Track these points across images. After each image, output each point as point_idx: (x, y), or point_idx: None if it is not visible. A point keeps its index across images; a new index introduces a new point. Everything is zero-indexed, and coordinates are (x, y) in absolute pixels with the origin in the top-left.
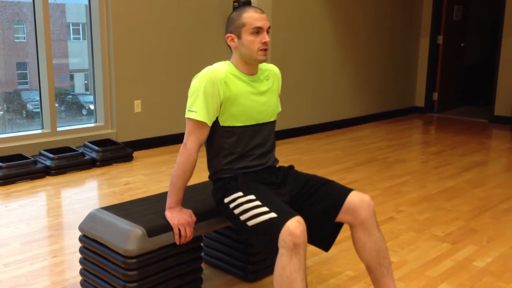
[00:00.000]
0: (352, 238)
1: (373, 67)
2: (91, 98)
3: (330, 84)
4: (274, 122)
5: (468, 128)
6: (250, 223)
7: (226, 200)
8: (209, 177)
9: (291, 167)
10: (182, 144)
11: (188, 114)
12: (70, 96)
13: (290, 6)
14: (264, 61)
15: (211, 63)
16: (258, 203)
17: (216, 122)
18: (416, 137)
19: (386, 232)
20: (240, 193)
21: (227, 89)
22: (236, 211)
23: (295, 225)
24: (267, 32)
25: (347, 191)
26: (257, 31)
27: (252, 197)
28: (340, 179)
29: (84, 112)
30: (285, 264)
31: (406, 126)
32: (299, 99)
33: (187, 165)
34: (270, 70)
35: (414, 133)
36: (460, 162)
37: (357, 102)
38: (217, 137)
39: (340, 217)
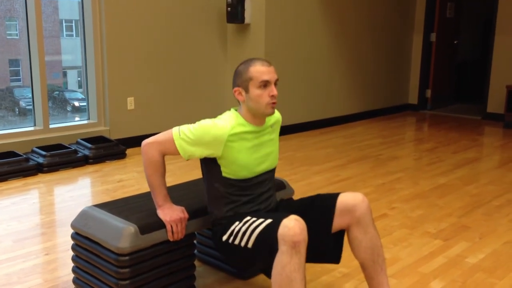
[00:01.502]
0: (348, 237)
1: (366, 65)
2: (77, 94)
3: (323, 82)
4: (275, 168)
5: (461, 125)
6: (250, 243)
7: (225, 237)
8: (211, 222)
9: (282, 200)
10: (149, 142)
11: (175, 131)
12: (57, 92)
13: (283, 4)
14: (272, 114)
15: (203, 61)
16: (253, 219)
17: (218, 171)
18: (409, 134)
19: (379, 229)
20: (236, 223)
21: (225, 151)
22: (236, 241)
23: (293, 222)
24: (275, 84)
25: (336, 194)
26: (265, 84)
27: (247, 218)
28: (333, 176)
29: (68, 108)
30: (285, 263)
31: (399, 123)
32: (293, 96)
33: (154, 162)
34: (274, 117)
35: (407, 130)
36: (453, 159)
37: (350, 99)
38: (219, 185)
39: (337, 221)
